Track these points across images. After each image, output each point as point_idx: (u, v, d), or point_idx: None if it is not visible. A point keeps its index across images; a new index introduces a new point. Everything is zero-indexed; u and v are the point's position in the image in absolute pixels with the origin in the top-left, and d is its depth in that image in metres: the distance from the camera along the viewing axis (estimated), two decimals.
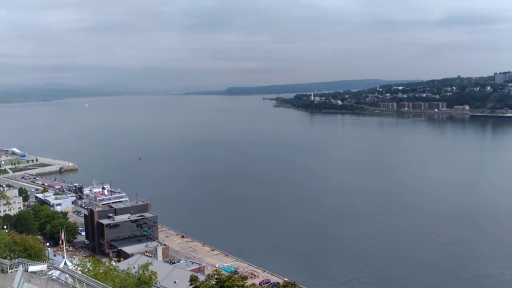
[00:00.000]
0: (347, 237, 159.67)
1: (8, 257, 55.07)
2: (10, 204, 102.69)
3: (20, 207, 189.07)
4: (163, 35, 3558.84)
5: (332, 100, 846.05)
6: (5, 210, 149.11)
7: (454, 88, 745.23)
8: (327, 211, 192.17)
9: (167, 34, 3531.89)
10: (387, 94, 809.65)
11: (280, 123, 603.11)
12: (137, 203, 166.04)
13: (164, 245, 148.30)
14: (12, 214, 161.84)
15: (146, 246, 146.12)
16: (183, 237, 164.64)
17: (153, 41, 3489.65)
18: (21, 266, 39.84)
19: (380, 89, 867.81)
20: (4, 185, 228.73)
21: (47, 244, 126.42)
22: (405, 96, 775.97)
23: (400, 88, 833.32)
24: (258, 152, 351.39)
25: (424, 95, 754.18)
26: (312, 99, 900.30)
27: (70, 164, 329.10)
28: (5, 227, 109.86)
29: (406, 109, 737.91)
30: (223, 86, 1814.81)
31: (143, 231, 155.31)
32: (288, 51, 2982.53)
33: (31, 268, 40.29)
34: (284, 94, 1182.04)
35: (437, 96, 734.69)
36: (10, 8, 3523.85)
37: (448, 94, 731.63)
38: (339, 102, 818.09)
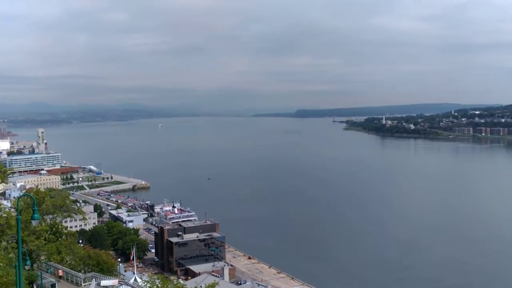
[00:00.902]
0: (421, 266, 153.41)
1: (82, 271, 56.84)
2: (86, 219, 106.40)
3: (95, 223, 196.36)
4: (235, 58, 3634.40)
5: (404, 124, 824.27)
6: (81, 225, 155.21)
7: None
8: (400, 239, 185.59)
9: (240, 57, 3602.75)
10: (463, 119, 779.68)
11: (350, 146, 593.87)
12: (205, 222, 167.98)
13: (231, 265, 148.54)
14: (87, 229, 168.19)
15: (213, 265, 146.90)
16: (249, 258, 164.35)
17: (226, 64, 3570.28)
18: (94, 280, 40.88)
19: (455, 114, 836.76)
20: (81, 201, 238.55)
21: (119, 259, 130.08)
22: (482, 121, 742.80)
23: (476, 112, 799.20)
24: (327, 176, 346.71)
25: (503, 120, 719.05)
26: (384, 122, 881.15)
27: (143, 182, 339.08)
28: (80, 241, 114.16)
29: (483, 134, 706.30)
30: (292, 108, 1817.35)
31: (211, 250, 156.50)
32: (359, 73, 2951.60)
33: (104, 283, 41.23)
34: (355, 117, 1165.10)
35: None
36: (93, 32, 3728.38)
37: None
38: (412, 126, 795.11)
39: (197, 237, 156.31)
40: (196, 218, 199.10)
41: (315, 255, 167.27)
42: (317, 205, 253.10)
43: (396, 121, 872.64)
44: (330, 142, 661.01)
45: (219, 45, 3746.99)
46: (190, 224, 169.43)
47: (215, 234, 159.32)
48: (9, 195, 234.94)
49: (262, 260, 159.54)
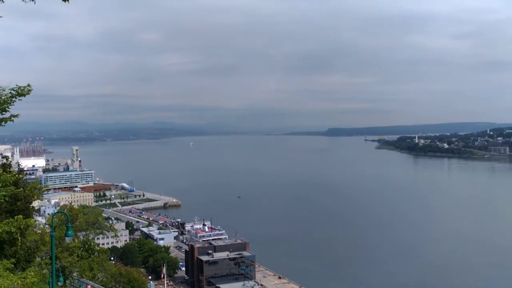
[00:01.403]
0: None
1: None
2: (118, 236, 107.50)
3: (126, 240, 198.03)
4: (266, 77, 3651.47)
5: (437, 143, 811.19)
6: (112, 242, 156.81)
7: None
8: (433, 264, 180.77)
9: (271, 76, 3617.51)
10: (499, 138, 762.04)
11: (382, 165, 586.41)
12: (235, 241, 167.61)
13: (261, 285, 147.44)
14: (119, 246, 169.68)
15: (243, 285, 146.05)
16: (280, 278, 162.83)
17: (257, 83, 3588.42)
18: None
19: (491, 132, 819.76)
20: (113, 218, 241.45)
21: (150, 277, 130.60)
22: None
23: None
24: (359, 196, 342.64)
25: None
26: (417, 141, 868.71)
27: (174, 200, 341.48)
28: (112, 258, 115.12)
29: None
30: (323, 127, 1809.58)
31: (241, 269, 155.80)
32: (391, 92, 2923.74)
33: None
34: (387, 136, 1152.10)
35: None
36: (128, 52, 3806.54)
37: None
38: (445, 145, 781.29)
39: (227, 255, 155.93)
40: (227, 237, 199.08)
41: (345, 275, 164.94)
42: (348, 225, 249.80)
43: (429, 140, 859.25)
44: (362, 161, 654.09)
45: (250, 64, 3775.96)
46: (220, 243, 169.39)
47: (245, 253, 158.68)
48: (44, 211, 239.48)
49: (293, 280, 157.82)
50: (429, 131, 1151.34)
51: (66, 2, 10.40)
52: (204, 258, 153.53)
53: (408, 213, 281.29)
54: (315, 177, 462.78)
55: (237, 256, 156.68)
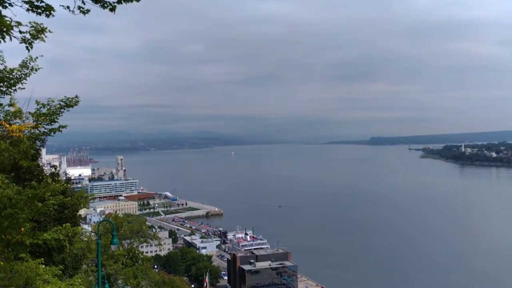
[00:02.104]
0: None
1: None
2: (161, 245, 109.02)
3: (169, 248, 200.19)
4: (308, 86, 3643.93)
5: (485, 151, 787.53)
6: (156, 251, 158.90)
7: None
8: (493, 272, 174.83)
9: (312, 85, 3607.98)
10: None
11: (428, 175, 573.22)
12: (277, 250, 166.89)
13: None
14: (162, 255, 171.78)
15: None
16: None
17: (298, 92, 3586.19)
18: None
19: None
20: (156, 227, 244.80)
21: (192, 286, 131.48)
22: None
23: None
24: (405, 206, 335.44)
25: None
26: (463, 150, 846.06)
27: (216, 209, 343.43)
28: (155, 266, 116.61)
29: None
30: (366, 136, 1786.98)
31: (283, 279, 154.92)
32: (437, 100, 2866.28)
33: None
34: (432, 145, 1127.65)
35: None
36: (170, 63, 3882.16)
37: None
38: (494, 154, 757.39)
39: (269, 265, 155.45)
40: (269, 246, 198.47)
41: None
42: (394, 235, 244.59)
43: (476, 149, 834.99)
44: (406, 171, 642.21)
45: (292, 73, 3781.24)
46: (262, 252, 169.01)
47: (287, 263, 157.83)
48: (90, 219, 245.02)
49: None
50: (476, 139, 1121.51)
51: (113, 12, 10.52)
52: (246, 267, 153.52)
53: (456, 221, 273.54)
54: (358, 186, 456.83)
55: (279, 265, 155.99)
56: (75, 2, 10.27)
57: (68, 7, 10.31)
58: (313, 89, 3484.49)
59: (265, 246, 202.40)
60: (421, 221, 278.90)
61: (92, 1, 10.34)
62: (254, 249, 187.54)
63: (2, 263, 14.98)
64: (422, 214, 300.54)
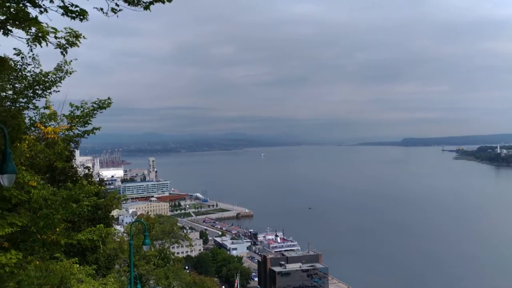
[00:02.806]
0: None
1: None
2: (192, 246, 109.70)
3: (200, 249, 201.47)
4: (338, 87, 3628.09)
5: None
6: (187, 251, 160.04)
7: None
8: None
9: (343, 86, 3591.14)
10: None
11: (462, 177, 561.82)
12: (308, 252, 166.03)
13: None
14: (193, 256, 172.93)
15: None
16: None
17: (328, 93, 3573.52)
18: None
19: None
20: (187, 228, 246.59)
21: (223, 286, 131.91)
22: None
23: None
24: (437, 210, 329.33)
25: None
26: (499, 151, 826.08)
27: (247, 211, 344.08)
28: (186, 267, 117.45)
29: None
30: (398, 137, 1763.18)
31: (314, 281, 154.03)
32: (469, 100, 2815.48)
33: None
34: (466, 146, 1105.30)
35: None
36: (201, 65, 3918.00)
37: None
38: None
39: (300, 267, 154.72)
40: (299, 248, 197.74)
41: None
42: (425, 239, 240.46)
43: None
44: (440, 172, 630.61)
45: (322, 74, 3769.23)
46: (292, 254, 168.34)
47: (318, 265, 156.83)
48: (122, 220, 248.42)
49: None
50: (511, 140, 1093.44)
51: (148, 10, 10.54)
52: (277, 269, 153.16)
53: (499, 225, 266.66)
54: (390, 188, 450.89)
55: (310, 267, 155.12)
56: (108, 5, 10.38)
57: (101, 9, 10.43)
58: (343, 90, 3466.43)
59: (295, 248, 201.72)
60: (452, 225, 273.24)
61: (124, 1, 10.43)
62: (285, 250, 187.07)
63: (38, 262, 15.27)
64: (454, 218, 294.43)
